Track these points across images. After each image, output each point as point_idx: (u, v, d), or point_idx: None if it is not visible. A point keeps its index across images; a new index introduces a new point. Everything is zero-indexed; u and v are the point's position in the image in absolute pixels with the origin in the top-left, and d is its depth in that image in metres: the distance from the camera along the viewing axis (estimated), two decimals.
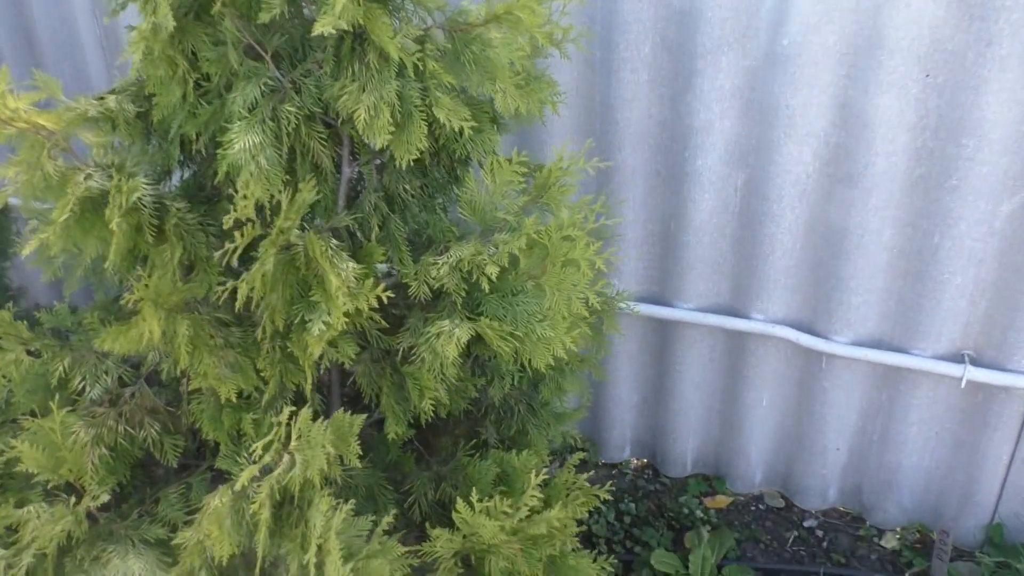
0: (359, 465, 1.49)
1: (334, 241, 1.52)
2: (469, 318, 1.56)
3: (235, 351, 1.62)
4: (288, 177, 1.53)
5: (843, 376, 2.47)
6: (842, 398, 2.52)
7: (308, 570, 1.40)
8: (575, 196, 1.71)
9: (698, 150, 2.30)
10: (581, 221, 1.53)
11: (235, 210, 1.34)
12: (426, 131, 1.47)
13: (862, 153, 2.13)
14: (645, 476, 2.93)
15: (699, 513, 2.70)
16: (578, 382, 2.12)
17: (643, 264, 2.58)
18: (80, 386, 1.76)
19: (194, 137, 1.63)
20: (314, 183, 1.47)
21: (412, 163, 1.66)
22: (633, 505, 2.74)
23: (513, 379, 1.93)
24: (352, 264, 1.50)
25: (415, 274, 1.60)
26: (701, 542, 2.49)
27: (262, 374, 1.58)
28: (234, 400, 1.60)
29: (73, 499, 1.61)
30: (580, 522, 2.65)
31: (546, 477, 1.53)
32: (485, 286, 1.52)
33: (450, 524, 1.55)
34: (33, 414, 1.69)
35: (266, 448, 1.41)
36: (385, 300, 1.49)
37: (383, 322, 1.66)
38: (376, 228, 1.63)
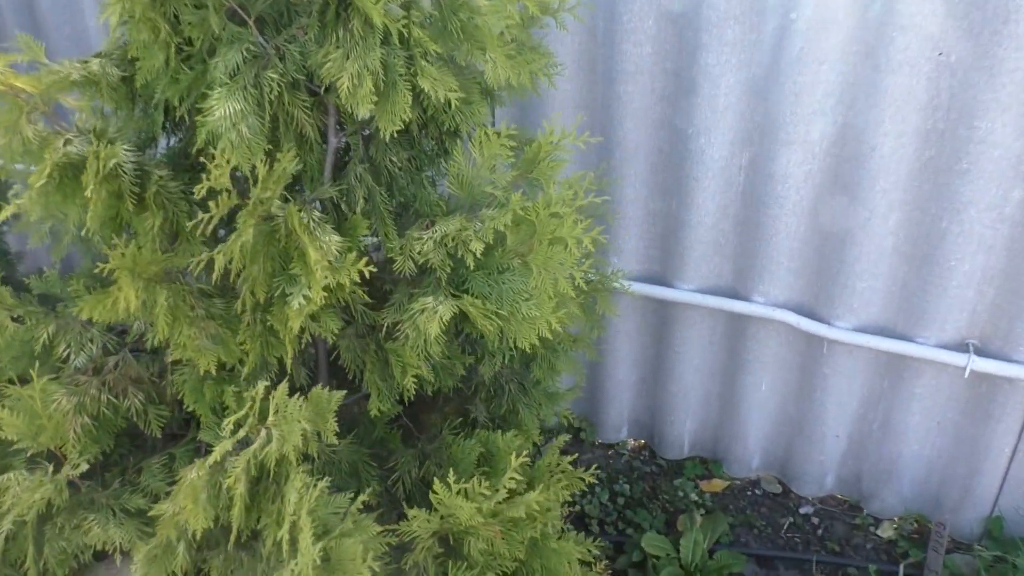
0: (336, 442, 1.46)
1: (316, 213, 1.48)
2: (454, 295, 1.52)
3: (216, 323, 1.59)
4: (270, 147, 1.49)
5: (844, 362, 2.42)
6: (843, 385, 2.47)
7: (281, 547, 1.38)
8: (570, 171, 1.66)
9: (702, 128, 2.24)
10: (570, 198, 1.48)
11: (208, 179, 1.30)
12: (410, 101, 1.42)
13: (870, 134, 2.07)
14: (641, 457, 2.90)
15: (694, 496, 2.67)
16: (571, 362, 2.08)
17: (644, 243, 2.53)
18: (65, 354, 1.75)
19: (177, 103, 1.59)
20: (294, 153, 1.43)
21: (399, 134, 1.62)
22: (628, 486, 2.71)
23: (504, 358, 1.90)
24: (335, 237, 1.47)
25: (400, 249, 1.56)
26: (693, 526, 2.47)
27: (243, 347, 1.56)
28: (215, 372, 1.57)
29: (51, 467, 1.60)
30: (572, 503, 2.64)
31: (526, 460, 1.50)
32: (470, 263, 1.48)
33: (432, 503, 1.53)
34: (18, 381, 1.68)
35: (238, 423, 1.39)
36: (367, 275, 1.46)
37: (367, 297, 1.62)
38: (361, 200, 1.59)
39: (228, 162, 1.34)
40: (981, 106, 1.93)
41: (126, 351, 1.76)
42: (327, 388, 1.71)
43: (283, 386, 1.44)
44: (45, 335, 1.73)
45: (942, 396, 2.38)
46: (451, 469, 1.59)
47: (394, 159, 1.61)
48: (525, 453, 1.52)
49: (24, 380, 1.60)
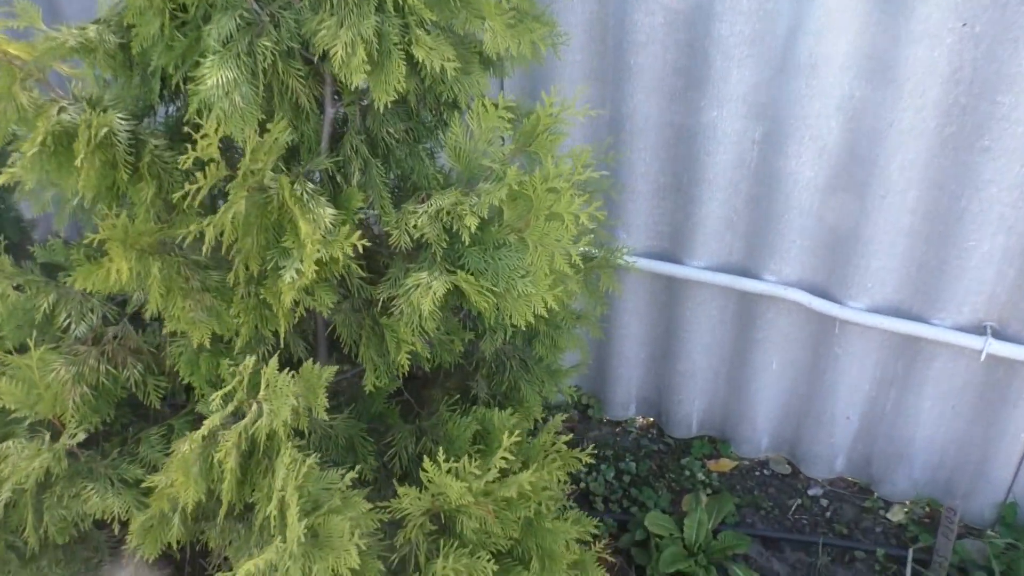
0: (325, 417, 1.45)
1: (310, 185, 1.45)
2: (449, 271, 1.50)
3: (211, 295, 1.58)
4: (264, 117, 1.46)
5: (857, 343, 2.37)
6: (855, 366, 2.42)
7: (270, 522, 1.37)
8: (580, 144, 1.62)
9: (715, 101, 2.17)
10: (568, 172, 1.44)
11: (193, 149, 1.27)
12: (404, 71, 1.38)
13: (888, 108, 2.00)
14: (649, 435, 2.88)
15: (701, 476, 2.65)
16: (574, 339, 2.05)
17: (653, 219, 2.48)
18: (66, 323, 1.74)
19: (172, 71, 1.56)
20: (286, 123, 1.40)
21: (396, 105, 1.58)
22: (634, 464, 2.69)
23: (505, 334, 1.88)
24: (329, 210, 1.44)
25: (396, 222, 1.53)
26: (698, 505, 2.44)
27: (235, 320, 1.54)
28: (209, 345, 1.56)
29: (48, 436, 1.61)
30: (577, 480, 2.62)
31: (518, 440, 1.48)
32: (466, 238, 1.45)
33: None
34: (21, 350, 1.68)
35: (226, 398, 1.38)
36: (360, 248, 1.44)
37: (361, 271, 1.60)
38: (357, 173, 1.56)
39: (216, 132, 1.31)
40: (1006, 80, 1.86)
41: (125, 321, 1.76)
42: (319, 362, 1.69)
43: (273, 361, 1.42)
44: (46, 304, 1.73)
45: (957, 379, 2.33)
46: (442, 447, 1.57)
47: (391, 130, 1.58)
48: (518, 432, 1.49)
49: (26, 349, 1.61)
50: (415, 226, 1.50)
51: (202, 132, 1.29)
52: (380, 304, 1.60)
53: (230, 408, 1.39)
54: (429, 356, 1.71)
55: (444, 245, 1.50)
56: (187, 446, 1.46)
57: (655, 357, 2.78)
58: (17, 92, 1.45)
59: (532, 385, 2.01)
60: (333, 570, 1.36)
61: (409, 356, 1.58)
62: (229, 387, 1.37)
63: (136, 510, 1.65)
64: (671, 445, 2.83)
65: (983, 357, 2.19)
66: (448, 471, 1.40)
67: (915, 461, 2.50)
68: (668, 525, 2.38)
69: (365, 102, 1.61)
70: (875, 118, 2.03)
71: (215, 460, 1.45)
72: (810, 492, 2.65)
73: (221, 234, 1.41)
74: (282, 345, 1.58)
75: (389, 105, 1.45)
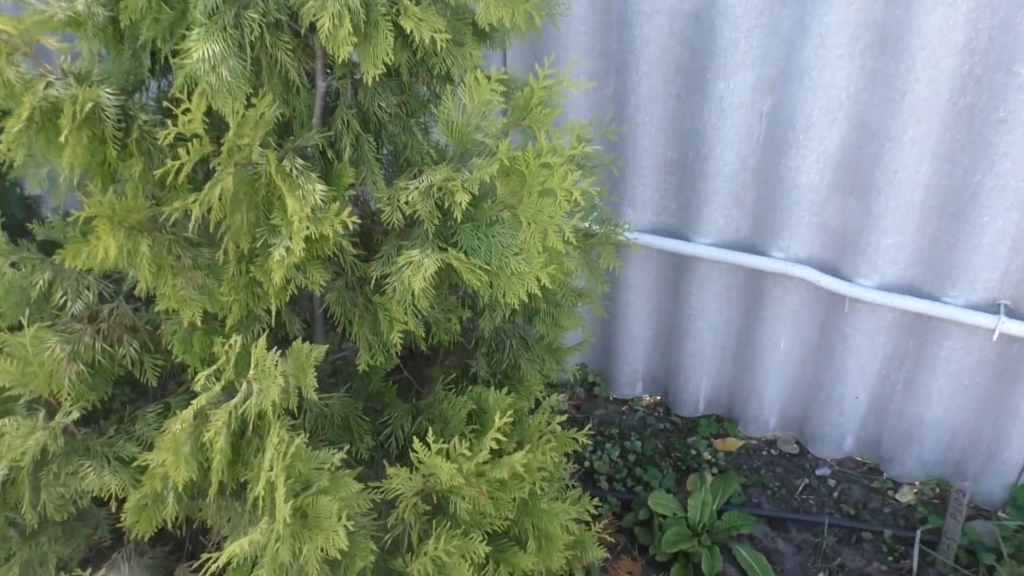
0: (315, 397, 1.43)
1: (299, 161, 1.42)
2: (441, 248, 1.47)
3: (203, 272, 1.56)
4: (253, 91, 1.43)
5: (867, 322, 2.32)
6: (864, 345, 2.37)
7: (259, 503, 1.36)
8: (583, 118, 1.58)
9: (721, 72, 2.11)
10: (562, 146, 1.40)
11: (174, 124, 1.25)
12: (392, 43, 1.35)
13: (901, 79, 1.93)
14: (656, 414, 2.85)
15: (707, 455, 2.62)
16: (575, 317, 2.02)
17: (659, 194, 2.44)
18: (62, 301, 1.73)
19: (160, 44, 1.53)
20: (272, 98, 1.37)
21: (387, 79, 1.54)
22: (639, 443, 2.67)
23: (504, 312, 1.85)
24: (319, 186, 1.41)
25: (388, 199, 1.50)
26: (703, 485, 2.42)
27: (226, 298, 1.52)
28: (201, 324, 1.55)
29: (42, 414, 1.60)
30: (581, 459, 2.60)
31: (510, 420, 1.45)
32: (457, 215, 1.42)
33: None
34: (19, 327, 1.67)
35: (212, 377, 1.36)
36: (351, 226, 1.41)
37: (355, 248, 1.58)
38: (348, 148, 1.53)
39: (199, 107, 1.28)
40: (1023, 50, 1.79)
41: (121, 299, 1.75)
42: (316, 341, 1.68)
43: (262, 340, 1.40)
44: (41, 282, 1.72)
45: (970, 359, 2.28)
46: (436, 427, 1.55)
47: (382, 104, 1.54)
48: (511, 413, 1.47)
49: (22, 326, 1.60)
50: (407, 203, 1.46)
51: (183, 107, 1.26)
52: (373, 282, 1.58)
53: (217, 388, 1.37)
54: (424, 335, 1.68)
55: (436, 222, 1.47)
56: (177, 426, 1.45)
57: (662, 335, 2.74)
58: (3, 67, 1.43)
59: (533, 364, 1.98)
60: (322, 550, 1.35)
61: (403, 335, 1.56)
62: (215, 367, 1.36)
63: (132, 488, 1.64)
64: (677, 424, 2.80)
65: (996, 336, 2.14)
66: (438, 452, 1.38)
67: (925, 441, 2.46)
68: (672, 505, 2.36)
69: (357, 76, 1.57)
70: (887, 89, 1.96)
71: (207, 440, 1.44)
72: (818, 472, 2.62)
73: (209, 211, 1.38)
74: (277, 324, 1.56)
75: (378, 78, 1.42)
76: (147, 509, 1.60)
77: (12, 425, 1.62)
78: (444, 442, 1.40)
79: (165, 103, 1.56)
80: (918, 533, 2.34)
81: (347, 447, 1.49)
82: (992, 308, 2.15)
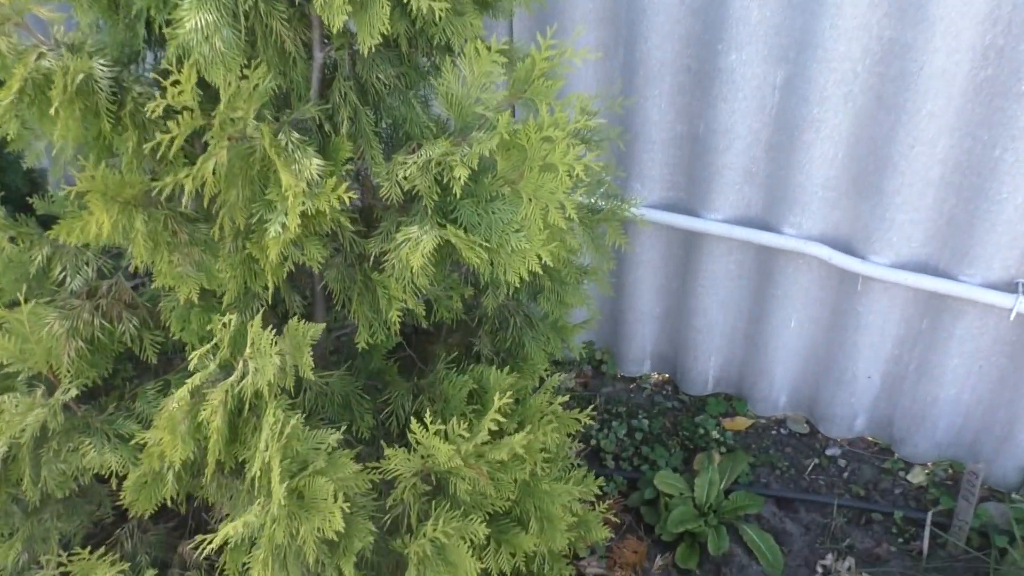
0: (311, 377, 1.41)
1: (295, 135, 1.39)
2: (440, 225, 1.43)
3: (200, 249, 1.53)
4: (247, 63, 1.39)
5: (880, 300, 2.27)
6: (877, 324, 2.32)
7: (255, 483, 1.35)
8: (590, 91, 1.53)
9: (733, 43, 2.05)
10: (565, 120, 1.35)
11: (162, 96, 1.21)
12: (389, 12, 1.30)
13: (919, 50, 1.86)
14: (664, 392, 2.82)
15: (715, 434, 2.59)
16: (581, 295, 1.98)
17: (668, 169, 2.38)
18: (61, 276, 1.72)
19: (155, 13, 1.49)
20: (266, 69, 1.33)
21: (386, 49, 1.50)
22: (647, 422, 2.64)
23: (507, 290, 1.81)
24: (316, 160, 1.38)
25: (387, 174, 1.46)
26: (711, 465, 2.39)
27: (222, 275, 1.50)
28: (197, 301, 1.52)
29: (40, 391, 1.59)
30: (587, 438, 2.58)
31: (510, 400, 1.42)
32: (456, 190, 1.38)
33: None
34: (17, 303, 1.66)
35: (209, 355, 1.34)
36: (347, 201, 1.37)
37: (358, 224, 1.54)
38: (346, 121, 1.49)
39: (190, 78, 1.25)
40: None
41: (120, 275, 1.73)
42: (317, 319, 1.65)
43: (258, 319, 1.38)
44: (40, 257, 1.70)
45: (986, 339, 2.22)
46: (435, 406, 1.53)
47: (381, 76, 1.50)
48: (511, 393, 1.44)
49: (24, 302, 1.59)
50: (405, 178, 1.43)
51: (172, 79, 1.22)
52: (372, 259, 1.55)
53: (212, 367, 1.35)
54: (426, 312, 1.65)
55: (436, 198, 1.43)
56: (174, 404, 1.43)
57: (670, 312, 2.70)
58: None
59: (537, 342, 1.95)
60: (319, 531, 1.33)
61: (403, 313, 1.53)
62: (210, 345, 1.33)
63: (133, 466, 1.64)
64: (686, 402, 2.77)
65: (1013, 316, 2.09)
66: (435, 433, 1.35)
67: (938, 422, 2.42)
68: (678, 484, 2.34)
69: (355, 46, 1.53)
70: (904, 61, 1.90)
71: (203, 419, 1.42)
72: (828, 452, 2.58)
73: (203, 186, 1.36)
74: (275, 301, 1.54)
75: (376, 49, 1.38)
76: (146, 487, 1.59)
77: (11, 402, 1.61)
78: (443, 422, 1.37)
79: (153, 74, 1.53)
80: (929, 515, 2.31)
81: (347, 426, 1.46)
82: (1010, 287, 2.09)
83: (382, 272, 1.52)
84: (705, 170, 2.30)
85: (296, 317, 1.51)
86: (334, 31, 1.36)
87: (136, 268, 1.65)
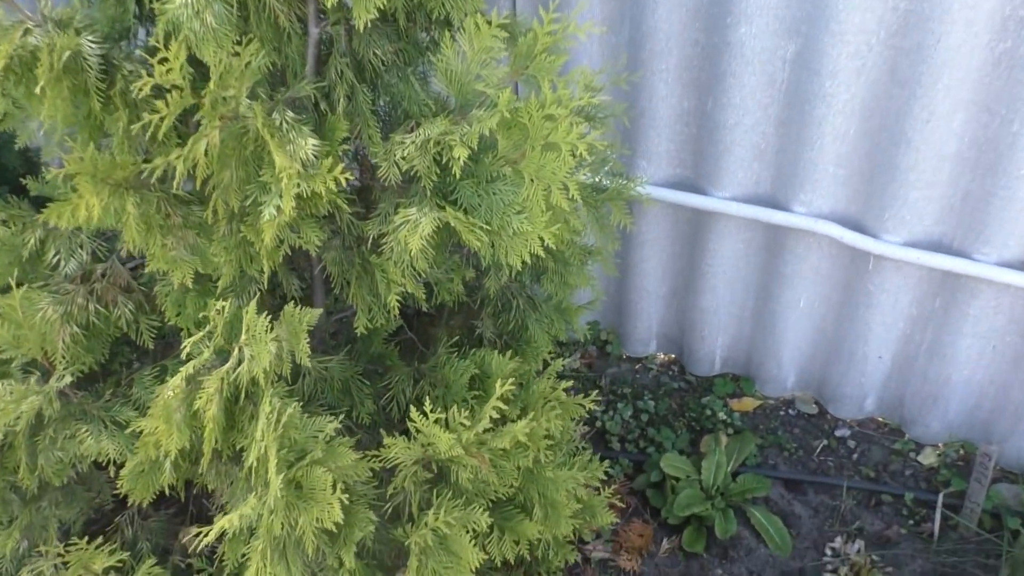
0: (308, 364, 1.37)
1: (290, 114, 1.34)
2: (439, 206, 1.39)
3: (194, 232, 1.49)
4: (239, 39, 1.34)
5: (892, 279, 2.22)
6: (889, 303, 2.27)
7: (252, 473, 1.32)
8: (596, 66, 1.47)
9: (742, 16, 1.99)
10: (568, 96, 1.30)
11: (149, 75, 1.16)
12: None
13: (936, 21, 1.80)
14: (670, 373, 2.78)
15: (722, 415, 2.55)
16: (585, 276, 1.94)
17: (675, 146, 2.33)
18: (55, 260, 1.68)
19: None
20: (258, 46, 1.28)
21: (383, 24, 1.45)
22: (653, 403, 2.60)
23: (510, 272, 1.77)
24: (311, 140, 1.33)
25: (384, 154, 1.42)
26: (718, 447, 2.36)
27: (216, 259, 1.46)
28: (191, 285, 1.49)
29: (35, 377, 1.56)
30: (593, 419, 2.55)
31: (512, 387, 1.39)
32: (456, 171, 1.33)
33: None
34: (9, 288, 1.63)
35: (200, 344, 1.30)
36: (344, 182, 1.33)
37: (356, 206, 1.50)
38: (343, 99, 1.44)
39: (178, 56, 1.20)
40: None
41: (114, 259, 1.69)
42: (316, 303, 1.62)
43: (253, 304, 1.34)
44: (33, 240, 1.67)
45: (1000, 318, 2.18)
46: (437, 392, 1.49)
47: (378, 52, 1.44)
48: (513, 380, 1.40)
49: (17, 286, 1.55)
50: (403, 157, 1.38)
51: (160, 56, 1.18)
52: (370, 241, 1.51)
53: (207, 354, 1.32)
54: (426, 295, 1.61)
55: (435, 178, 1.39)
56: (169, 392, 1.40)
57: (677, 292, 2.66)
58: None
59: (540, 324, 1.91)
60: (318, 521, 1.31)
61: (402, 296, 1.49)
62: (204, 332, 1.30)
63: (130, 453, 1.61)
64: (692, 383, 2.73)
65: None
66: (436, 421, 1.32)
67: (950, 402, 2.38)
68: (685, 467, 2.31)
69: (352, 21, 1.47)
70: (920, 33, 1.83)
71: (199, 407, 1.39)
72: (837, 433, 2.55)
73: (195, 168, 1.31)
74: (273, 285, 1.50)
75: (373, 24, 1.33)
76: (144, 475, 1.56)
77: (5, 389, 1.58)
78: (444, 409, 1.34)
79: (139, 51, 1.48)
80: (940, 496, 2.27)
81: (345, 413, 1.43)
82: None
83: (381, 255, 1.48)
84: (713, 147, 2.24)
85: (294, 301, 1.48)
86: (330, 5, 1.31)
87: (125, 253, 1.61)
